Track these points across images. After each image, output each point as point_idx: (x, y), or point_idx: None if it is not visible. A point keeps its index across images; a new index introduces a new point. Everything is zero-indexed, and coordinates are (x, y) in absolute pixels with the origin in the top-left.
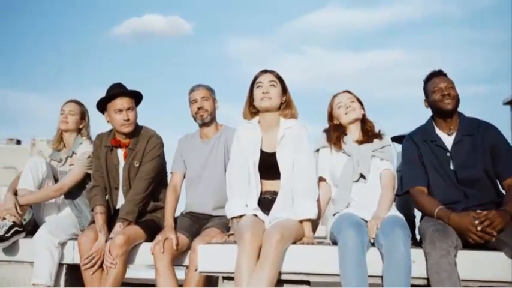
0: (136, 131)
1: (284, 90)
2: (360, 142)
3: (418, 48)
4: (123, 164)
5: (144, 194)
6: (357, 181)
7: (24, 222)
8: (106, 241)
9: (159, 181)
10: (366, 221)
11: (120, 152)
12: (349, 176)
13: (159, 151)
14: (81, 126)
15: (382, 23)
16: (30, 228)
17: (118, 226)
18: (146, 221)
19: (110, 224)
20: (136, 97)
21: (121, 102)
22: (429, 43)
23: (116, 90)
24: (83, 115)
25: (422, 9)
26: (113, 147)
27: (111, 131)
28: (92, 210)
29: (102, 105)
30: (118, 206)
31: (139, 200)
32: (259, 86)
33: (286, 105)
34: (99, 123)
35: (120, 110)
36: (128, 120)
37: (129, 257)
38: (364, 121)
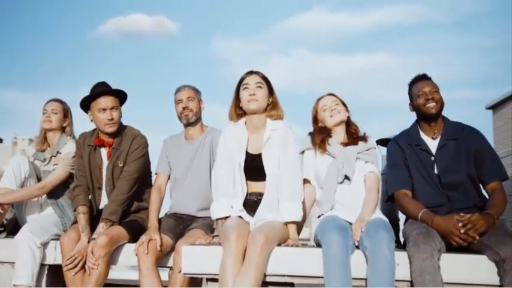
0: (120, 130)
1: (270, 91)
2: (345, 144)
3: (404, 52)
4: (106, 163)
5: (127, 195)
6: (341, 183)
7: (5, 222)
8: (89, 241)
9: (143, 181)
10: (351, 224)
11: (104, 152)
12: (334, 177)
13: (143, 151)
14: (64, 125)
15: (369, 26)
16: (12, 227)
17: (101, 226)
18: (130, 222)
19: (92, 225)
20: (121, 96)
21: (105, 101)
22: (416, 47)
23: (100, 89)
24: (66, 113)
25: (410, 13)
26: (96, 147)
27: (94, 130)
28: (75, 210)
29: (86, 104)
30: (101, 207)
31: (123, 200)
32: (245, 88)
33: (272, 106)
34: (82, 123)
35: (104, 109)
36: (112, 119)
37: (112, 257)
38: (348, 123)
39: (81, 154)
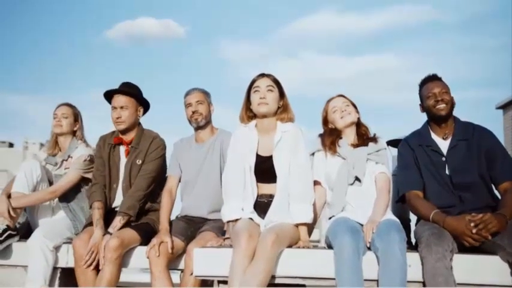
0: (139, 131)
1: (281, 94)
2: (355, 145)
3: (411, 53)
4: (124, 161)
5: (145, 192)
6: (352, 184)
7: (18, 226)
8: (104, 235)
9: (158, 182)
10: (362, 225)
11: (122, 150)
12: (344, 179)
13: (162, 152)
14: (75, 129)
15: (376, 28)
16: (24, 231)
17: (118, 220)
18: (141, 225)
19: (106, 222)
20: (137, 98)
21: (116, 100)
22: (423, 48)
23: (117, 89)
24: (76, 117)
25: (416, 14)
26: (115, 145)
27: (114, 131)
28: (91, 206)
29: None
30: (114, 205)
31: (141, 196)
32: (256, 91)
33: (283, 110)
34: (91, 128)
35: (115, 108)
36: (119, 118)
37: (124, 260)
38: (359, 125)
39: (101, 154)
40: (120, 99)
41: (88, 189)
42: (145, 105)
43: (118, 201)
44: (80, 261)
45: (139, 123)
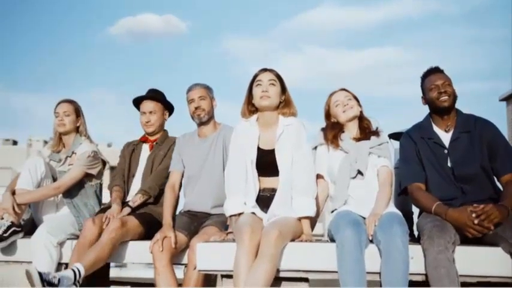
0: (164, 134)
1: (283, 89)
2: (358, 139)
3: (415, 46)
4: (147, 154)
5: (165, 179)
6: (354, 177)
7: (22, 223)
8: (122, 207)
9: None
10: (364, 218)
11: (146, 147)
12: (347, 172)
13: None
14: (78, 124)
15: (379, 20)
16: (29, 228)
17: (138, 197)
18: (145, 214)
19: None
20: (163, 102)
21: (145, 106)
22: (427, 41)
23: (143, 95)
24: (78, 113)
25: (420, 7)
26: (140, 143)
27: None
28: (111, 192)
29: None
30: (129, 196)
31: (162, 181)
32: (258, 85)
33: (285, 104)
34: (92, 125)
35: (144, 112)
36: (149, 121)
37: (127, 255)
38: (361, 118)
39: (124, 154)
40: (148, 105)
41: (110, 180)
42: (170, 108)
43: (132, 192)
44: (82, 240)
45: (165, 130)
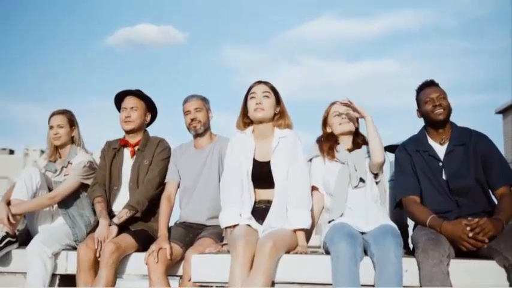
0: (145, 135)
1: (278, 101)
2: (351, 150)
3: (413, 59)
4: (130, 162)
5: (155, 191)
6: (356, 186)
7: (17, 233)
8: (109, 225)
9: (163, 186)
10: (361, 233)
11: (127, 152)
12: (345, 183)
13: (168, 154)
14: (73, 135)
15: (377, 33)
16: (24, 238)
17: (124, 212)
18: (139, 231)
19: None
20: (146, 102)
21: (127, 102)
22: (425, 53)
23: (128, 90)
24: (72, 123)
25: (418, 19)
26: (121, 147)
27: (119, 138)
28: (93, 204)
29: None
30: (114, 208)
31: (150, 194)
32: (252, 97)
33: (280, 116)
34: (90, 134)
35: (125, 108)
36: (128, 117)
37: (122, 267)
38: (357, 134)
39: (104, 156)
40: (130, 101)
41: (89, 188)
42: (152, 112)
43: (117, 204)
44: (82, 266)
45: (146, 130)
